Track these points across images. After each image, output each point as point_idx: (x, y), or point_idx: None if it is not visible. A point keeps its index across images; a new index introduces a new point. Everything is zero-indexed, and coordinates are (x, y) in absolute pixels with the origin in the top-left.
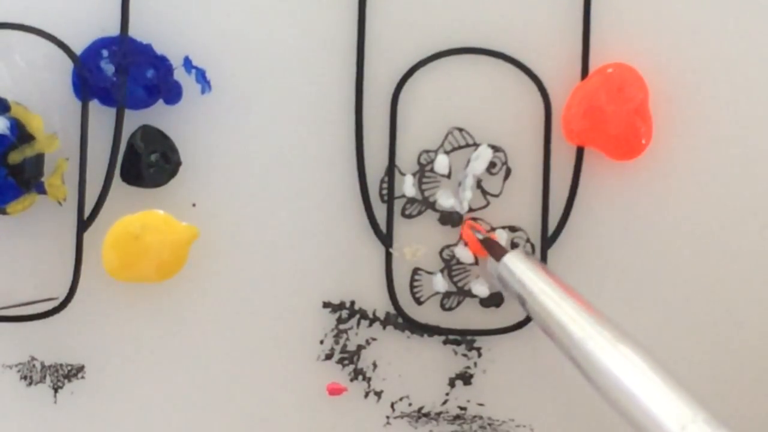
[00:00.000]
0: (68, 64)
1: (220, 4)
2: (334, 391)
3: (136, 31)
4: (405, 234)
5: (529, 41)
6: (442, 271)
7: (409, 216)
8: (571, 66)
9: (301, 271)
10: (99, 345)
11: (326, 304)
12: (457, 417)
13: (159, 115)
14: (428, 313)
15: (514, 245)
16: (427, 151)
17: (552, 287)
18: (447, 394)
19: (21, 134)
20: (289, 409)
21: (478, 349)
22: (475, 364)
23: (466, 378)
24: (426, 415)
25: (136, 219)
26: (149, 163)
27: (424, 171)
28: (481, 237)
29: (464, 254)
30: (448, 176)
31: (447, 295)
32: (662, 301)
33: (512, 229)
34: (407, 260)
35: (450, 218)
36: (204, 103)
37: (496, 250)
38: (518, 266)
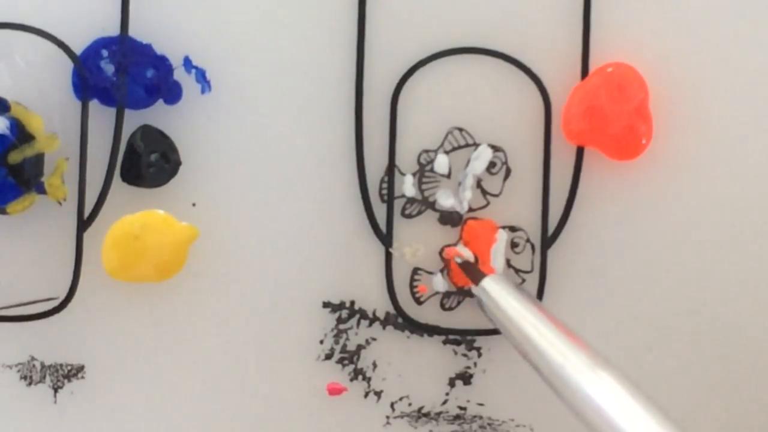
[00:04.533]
0: (68, 64)
1: (220, 4)
2: (334, 391)
3: (136, 31)
4: (405, 234)
5: (529, 41)
6: (442, 271)
7: (409, 216)
8: (571, 66)
9: (301, 271)
10: (99, 345)
11: (326, 304)
12: (457, 417)
13: (159, 115)
14: (428, 313)
15: (514, 245)
16: (427, 151)
17: (531, 311)
18: (447, 394)
19: (21, 134)
20: (289, 409)
21: (478, 349)
22: (475, 364)
23: (466, 378)
24: (426, 415)
25: (136, 219)
26: (149, 163)
27: (424, 171)
28: (459, 261)
29: (464, 254)
30: (448, 176)
31: (447, 295)
32: (662, 301)
33: (512, 229)
34: (407, 260)
35: (450, 218)
36: (204, 103)
37: (474, 274)
38: (496, 290)
